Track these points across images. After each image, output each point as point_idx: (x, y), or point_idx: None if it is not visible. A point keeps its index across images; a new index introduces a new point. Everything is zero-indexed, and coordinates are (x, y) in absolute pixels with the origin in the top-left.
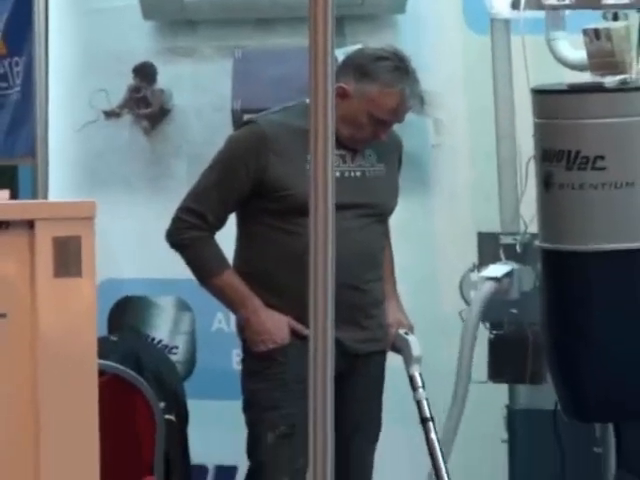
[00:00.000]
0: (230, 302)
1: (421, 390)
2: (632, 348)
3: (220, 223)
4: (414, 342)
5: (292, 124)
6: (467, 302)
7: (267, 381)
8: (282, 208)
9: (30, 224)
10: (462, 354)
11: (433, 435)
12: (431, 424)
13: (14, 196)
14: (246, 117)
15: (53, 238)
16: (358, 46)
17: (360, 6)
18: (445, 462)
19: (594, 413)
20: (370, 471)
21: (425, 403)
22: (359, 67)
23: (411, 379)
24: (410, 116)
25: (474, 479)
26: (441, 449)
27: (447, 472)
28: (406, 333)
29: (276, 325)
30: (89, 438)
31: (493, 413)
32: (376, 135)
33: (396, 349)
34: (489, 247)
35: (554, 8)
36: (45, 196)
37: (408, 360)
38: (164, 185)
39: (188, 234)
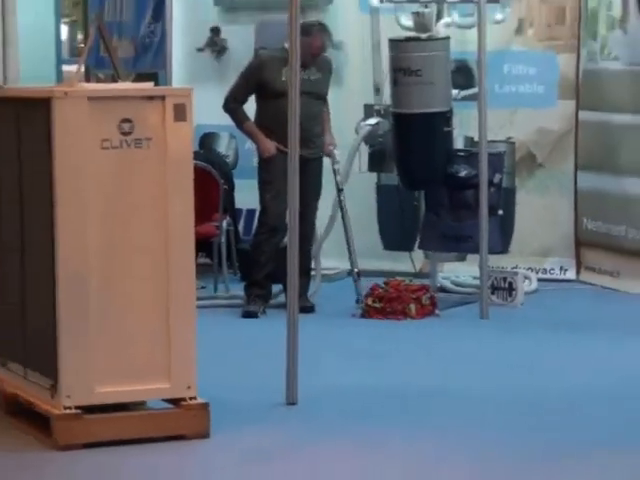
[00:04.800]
0: (250, 136)
1: (339, 177)
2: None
3: (244, 101)
4: (337, 153)
5: (277, 55)
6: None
7: (267, 171)
8: (269, 94)
9: (163, 97)
10: (348, 157)
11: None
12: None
13: (156, 84)
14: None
15: (174, 104)
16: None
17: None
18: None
19: (415, 185)
20: (315, 218)
21: (339, 179)
22: (303, 28)
23: (334, 171)
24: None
25: (363, 221)
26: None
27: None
28: (334, 148)
29: (270, 146)
30: (188, 199)
31: (370, 187)
32: (314, 58)
33: (329, 156)
34: (369, 110)
35: (398, 2)
36: (170, 84)
37: (334, 160)
38: (224, 81)
39: (231, 105)
